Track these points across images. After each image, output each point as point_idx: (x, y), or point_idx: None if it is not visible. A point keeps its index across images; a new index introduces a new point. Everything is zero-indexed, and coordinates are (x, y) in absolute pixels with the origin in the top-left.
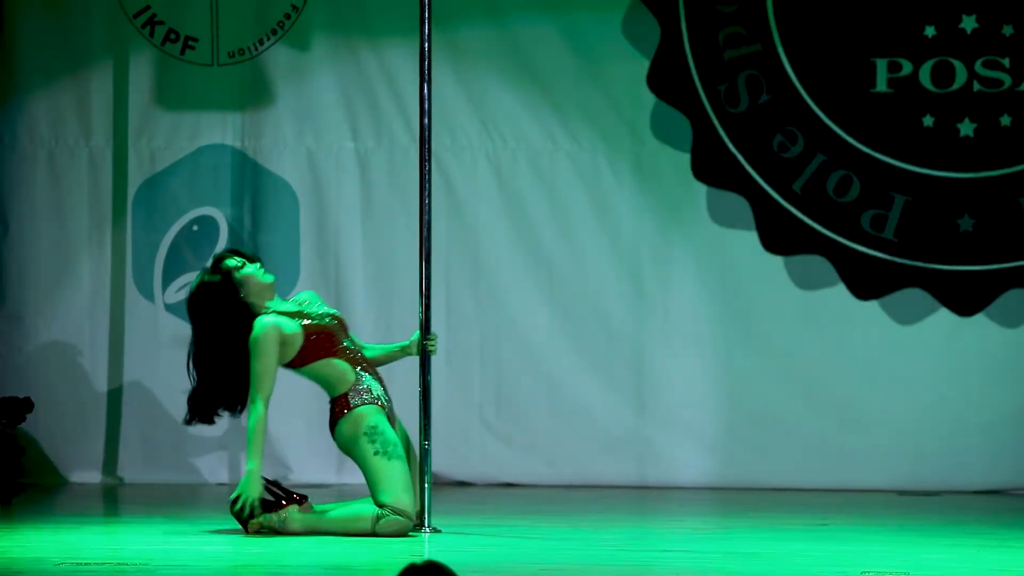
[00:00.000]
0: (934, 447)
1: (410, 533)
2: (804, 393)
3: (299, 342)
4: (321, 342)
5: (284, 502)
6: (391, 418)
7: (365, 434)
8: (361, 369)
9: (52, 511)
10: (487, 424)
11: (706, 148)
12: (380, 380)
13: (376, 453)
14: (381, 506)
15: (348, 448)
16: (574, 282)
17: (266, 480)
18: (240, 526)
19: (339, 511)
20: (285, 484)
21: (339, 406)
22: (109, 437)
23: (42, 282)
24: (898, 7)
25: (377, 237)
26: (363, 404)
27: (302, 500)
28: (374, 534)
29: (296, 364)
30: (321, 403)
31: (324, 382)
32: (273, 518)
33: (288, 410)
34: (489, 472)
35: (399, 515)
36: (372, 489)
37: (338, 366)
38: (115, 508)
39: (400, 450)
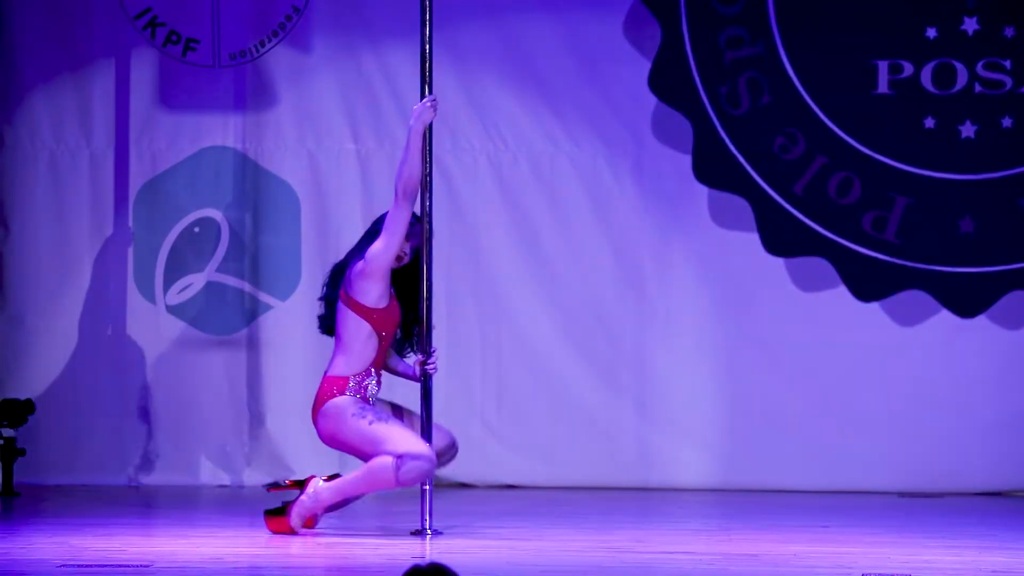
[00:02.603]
0: (935, 449)
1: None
2: (805, 395)
3: (383, 292)
4: (388, 315)
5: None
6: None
7: (353, 415)
8: (375, 369)
9: (53, 513)
10: (488, 426)
11: (707, 150)
12: (380, 384)
13: (371, 423)
14: (399, 456)
15: (334, 433)
16: (575, 284)
17: (272, 484)
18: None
19: (359, 471)
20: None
21: (332, 386)
22: (109, 439)
23: (43, 284)
24: (899, 9)
25: None
26: (352, 395)
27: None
28: (398, 483)
29: (358, 308)
30: None
31: (348, 345)
32: (304, 500)
33: (288, 410)
34: (490, 474)
35: (419, 459)
36: (382, 451)
37: (369, 348)
38: (116, 509)
39: (391, 417)
